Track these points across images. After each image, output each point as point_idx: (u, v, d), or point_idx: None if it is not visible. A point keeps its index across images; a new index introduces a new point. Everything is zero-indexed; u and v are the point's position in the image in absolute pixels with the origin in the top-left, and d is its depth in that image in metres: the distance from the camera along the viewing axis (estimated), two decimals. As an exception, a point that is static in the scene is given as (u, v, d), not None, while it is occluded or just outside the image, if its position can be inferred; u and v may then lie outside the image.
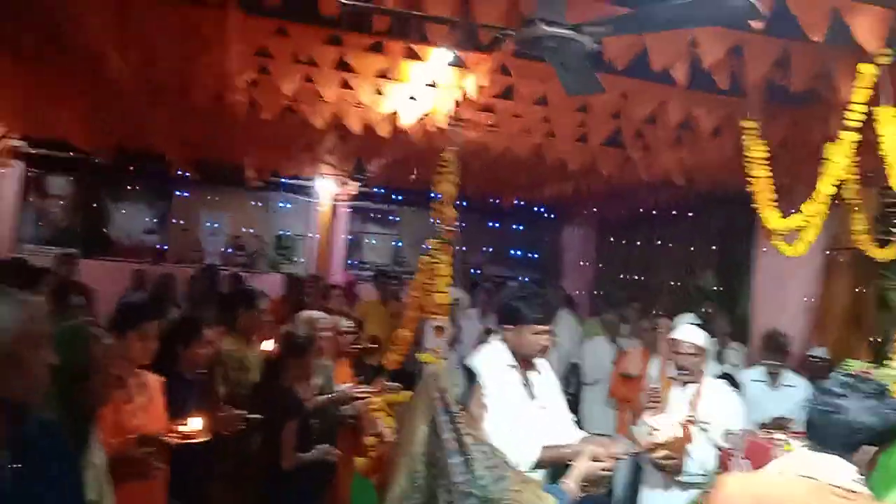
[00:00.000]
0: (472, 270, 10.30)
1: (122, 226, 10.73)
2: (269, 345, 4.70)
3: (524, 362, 3.19)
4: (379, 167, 8.17)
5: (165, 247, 10.87)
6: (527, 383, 3.19)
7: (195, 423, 3.20)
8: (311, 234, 11.25)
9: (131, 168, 10.02)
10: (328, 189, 10.72)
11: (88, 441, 2.15)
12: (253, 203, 11.13)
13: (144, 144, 7.97)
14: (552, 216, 11.62)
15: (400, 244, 11.78)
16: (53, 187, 10.42)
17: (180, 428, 3.17)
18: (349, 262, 11.58)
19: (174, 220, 10.92)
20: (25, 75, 5.25)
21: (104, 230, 10.62)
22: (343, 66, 4.42)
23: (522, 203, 10.68)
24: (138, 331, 3.20)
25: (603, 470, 2.49)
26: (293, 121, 5.94)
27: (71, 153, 9.42)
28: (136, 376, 3.14)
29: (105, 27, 3.88)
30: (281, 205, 11.26)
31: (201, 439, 3.16)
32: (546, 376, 3.34)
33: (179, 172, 9.72)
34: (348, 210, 11.36)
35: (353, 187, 10.56)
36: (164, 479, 3.17)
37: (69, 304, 4.47)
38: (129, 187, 10.68)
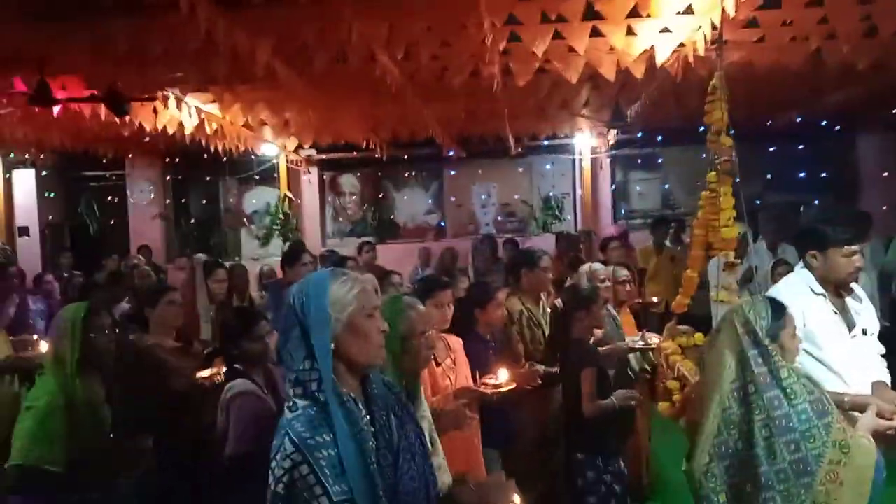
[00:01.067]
0: (754, 200, 9.59)
1: (405, 210, 11.75)
2: (554, 301, 4.86)
3: (835, 289, 2.96)
4: (638, 111, 7.95)
5: (443, 223, 11.67)
6: (840, 311, 2.95)
7: (502, 375, 3.44)
8: (576, 191, 11.32)
9: (406, 157, 10.89)
10: (588, 143, 10.68)
11: (419, 398, 2.44)
12: (518, 170, 11.47)
13: (414, 133, 8.64)
14: (838, 128, 10.34)
15: (667, 186, 11.36)
16: (345, 186, 11.72)
17: (489, 381, 3.43)
18: (618, 211, 11.46)
19: (449, 198, 11.66)
20: (314, 92, 5.97)
21: (391, 217, 11.71)
22: (592, 15, 4.37)
23: (800, 120, 9.66)
24: (434, 299, 3.54)
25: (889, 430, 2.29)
26: (546, 81, 6.02)
27: (355, 153, 10.51)
28: (440, 340, 3.47)
29: (376, 32, 4.27)
30: (546, 166, 11.46)
31: (509, 388, 3.39)
32: (863, 303, 3.06)
33: (448, 153, 10.37)
34: (610, 160, 11.22)
35: (613, 136, 10.40)
36: (477, 431, 3.47)
37: (389, 283, 5.01)
38: (406, 175, 11.63)
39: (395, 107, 7.14)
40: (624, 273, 5.08)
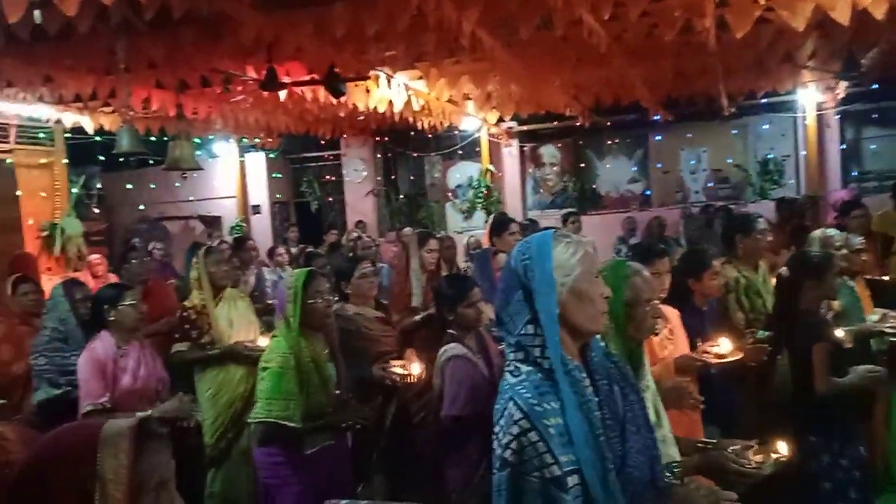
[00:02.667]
0: None
1: (608, 179, 11.45)
2: (779, 269, 4.51)
3: None
4: (873, 59, 7.07)
5: (648, 192, 11.23)
6: None
7: (725, 345, 3.25)
8: (798, 153, 10.35)
9: (608, 124, 10.59)
10: (813, 98, 9.69)
11: (643, 368, 2.36)
12: (731, 132, 10.71)
13: (617, 98, 8.35)
14: None
15: (910, 143, 10.05)
16: (545, 157, 11.65)
17: (712, 349, 3.26)
18: (848, 174, 10.33)
19: (654, 165, 11.19)
20: (517, 61, 5.97)
21: (593, 186, 11.48)
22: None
23: None
24: (652, 267, 3.39)
25: None
26: (767, 32, 5.52)
27: (555, 123, 10.40)
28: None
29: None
30: (763, 127, 10.59)
31: (734, 359, 3.20)
32: None
33: (653, 117, 9.92)
34: (839, 116, 10.12)
35: (843, 89, 9.35)
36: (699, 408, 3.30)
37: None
38: (608, 142, 11.32)
39: (599, 71, 6.94)
40: (858, 240, 4.59)
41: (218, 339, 4.22)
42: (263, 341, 4.20)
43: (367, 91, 7.08)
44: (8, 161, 8.35)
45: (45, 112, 7.48)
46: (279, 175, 12.25)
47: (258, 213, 11.90)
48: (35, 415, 3.76)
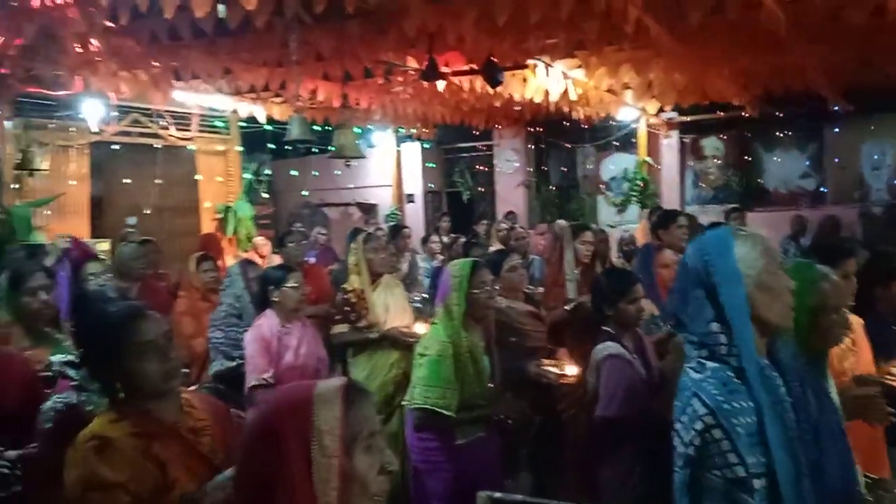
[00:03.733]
0: None
1: (776, 174, 10.71)
2: None
3: None
4: None
5: (823, 189, 10.38)
6: None
7: (914, 368, 2.91)
8: None
9: (779, 115, 9.88)
10: None
11: (826, 379, 2.15)
12: (923, 124, 9.68)
13: (791, 87, 7.76)
14: None
15: None
16: (708, 149, 11.07)
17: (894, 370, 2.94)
18: None
19: (830, 159, 10.32)
20: (684, 49, 5.68)
21: (759, 181, 10.77)
22: None
23: None
24: (839, 269, 3.10)
25: None
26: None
27: (720, 113, 9.84)
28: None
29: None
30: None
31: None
32: None
33: (832, 108, 9.13)
34: None
35: None
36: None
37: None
38: (778, 134, 10.56)
39: (773, 59, 6.48)
40: None
41: (374, 323, 4.35)
42: (418, 328, 4.29)
43: (524, 81, 7.04)
44: (189, 147, 9.07)
45: (222, 102, 8.04)
46: (433, 165, 12.49)
47: (412, 201, 12.19)
48: (211, 384, 4.05)
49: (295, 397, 1.33)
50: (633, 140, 10.71)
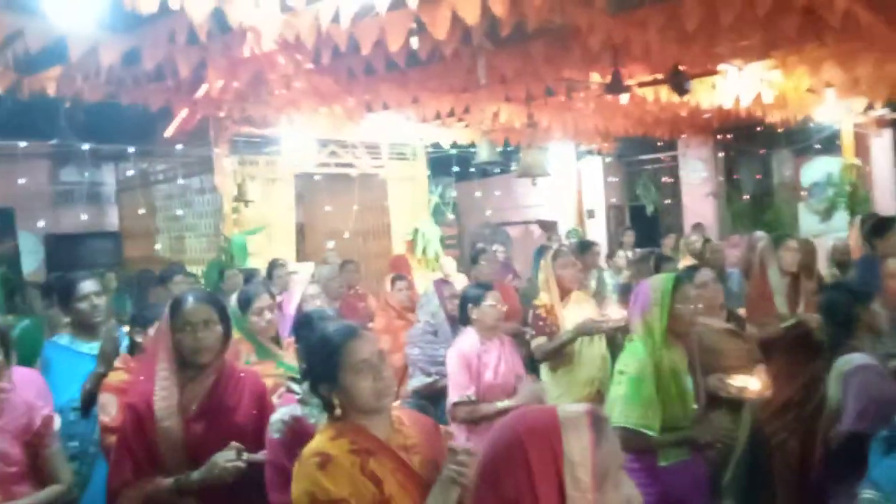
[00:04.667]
0: None
1: None
2: None
3: None
4: None
5: None
6: None
7: None
8: None
9: None
10: None
11: None
12: None
13: None
14: None
15: None
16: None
17: None
18: None
19: None
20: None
21: None
22: None
23: None
24: None
25: None
26: None
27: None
28: None
29: None
30: None
31: None
32: None
33: None
34: None
35: None
36: None
37: None
38: None
39: None
40: None
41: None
42: (613, 312, 4.24)
43: (713, 87, 6.74)
44: (381, 175, 9.59)
45: (409, 130, 8.43)
46: (614, 178, 12.24)
47: (592, 217, 12.02)
48: (412, 400, 4.22)
49: (540, 422, 1.27)
50: (837, 142, 9.84)
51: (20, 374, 2.76)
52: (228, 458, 2.35)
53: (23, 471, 2.60)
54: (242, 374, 2.69)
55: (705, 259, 6.04)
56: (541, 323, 4.40)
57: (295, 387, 2.51)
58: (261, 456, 2.45)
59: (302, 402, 2.40)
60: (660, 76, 6.15)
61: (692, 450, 3.12)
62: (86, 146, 7.98)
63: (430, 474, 2.00)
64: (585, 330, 4.20)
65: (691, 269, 4.12)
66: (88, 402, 3.25)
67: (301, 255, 9.00)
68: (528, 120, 7.18)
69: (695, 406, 3.14)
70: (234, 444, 2.39)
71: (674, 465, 3.06)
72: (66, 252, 9.80)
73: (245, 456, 2.39)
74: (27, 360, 3.45)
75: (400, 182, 9.72)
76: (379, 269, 9.02)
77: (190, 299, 2.56)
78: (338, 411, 2.01)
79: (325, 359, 2.02)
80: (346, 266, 6.17)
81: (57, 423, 2.78)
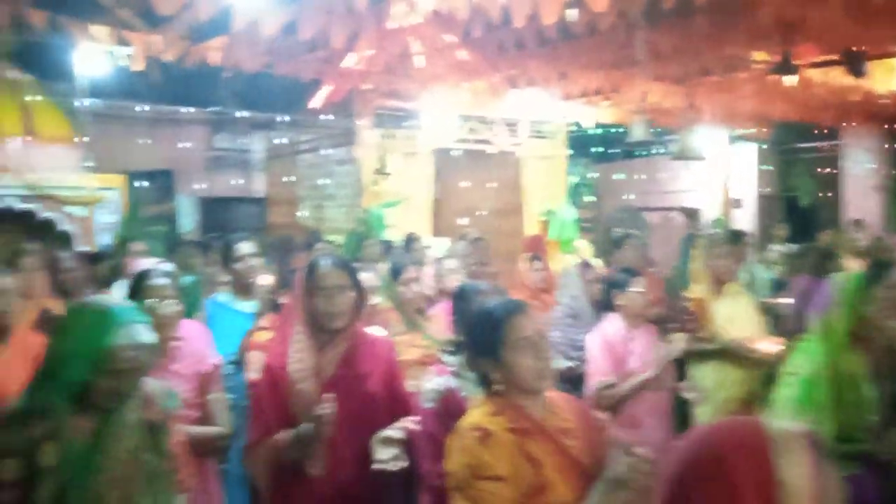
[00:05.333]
0: None
1: None
2: None
3: None
4: None
5: None
6: None
7: None
8: None
9: None
10: None
11: None
12: None
13: None
14: None
15: None
16: None
17: None
18: None
19: None
20: None
21: None
22: None
23: None
24: None
25: None
26: None
27: None
28: None
29: None
30: None
31: None
32: None
33: None
34: None
35: None
36: None
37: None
38: None
39: None
40: None
41: (716, 334, 4.07)
42: (764, 344, 3.93)
43: (893, 70, 6.14)
44: (517, 153, 9.47)
45: (551, 107, 8.24)
46: (767, 167, 11.49)
47: (738, 206, 11.36)
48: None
49: (747, 438, 1.10)
50: None
51: (188, 325, 2.90)
52: (383, 457, 2.31)
53: (198, 414, 2.73)
54: (375, 342, 2.67)
55: (873, 258, 5.52)
56: (685, 318, 4.17)
57: (449, 358, 2.47)
58: (409, 424, 2.44)
59: (455, 374, 2.37)
60: (833, 57, 5.65)
61: (866, 465, 2.83)
62: (244, 114, 8.35)
63: (588, 462, 1.92)
64: (732, 351, 3.94)
65: (879, 269, 3.74)
66: (244, 358, 3.39)
67: (435, 231, 9.07)
68: (686, 100, 6.82)
69: (874, 417, 2.84)
70: (381, 436, 2.36)
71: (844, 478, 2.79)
72: (216, 215, 10.38)
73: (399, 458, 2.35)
74: (187, 315, 3.65)
75: (537, 161, 9.56)
76: (509, 249, 8.93)
77: (324, 263, 2.54)
78: (497, 387, 1.95)
79: (486, 333, 1.97)
80: (477, 243, 6.11)
81: (220, 372, 2.91)
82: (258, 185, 11.15)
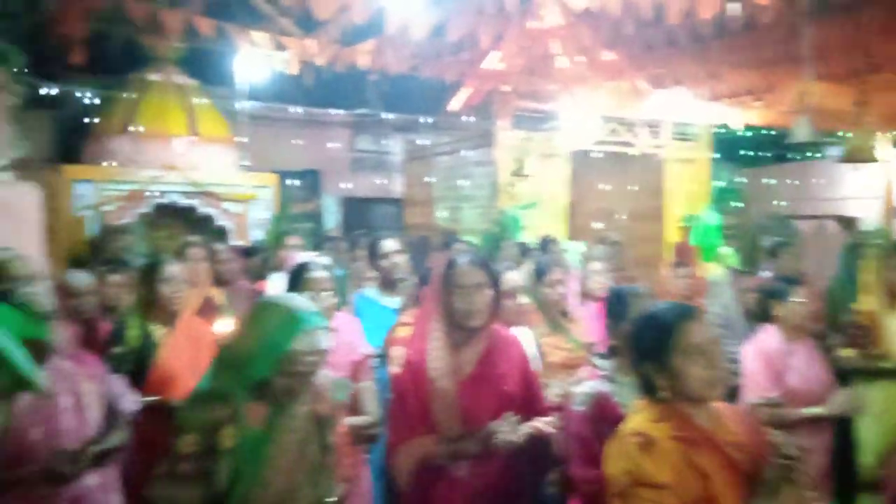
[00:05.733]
0: None
1: None
2: None
3: None
4: None
5: None
6: None
7: None
8: None
9: None
10: None
11: None
12: None
13: None
14: None
15: None
16: None
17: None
18: None
19: None
20: None
21: None
22: None
23: None
24: None
25: None
26: None
27: None
28: None
29: None
30: None
31: None
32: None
33: None
34: None
35: None
36: None
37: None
38: None
39: None
40: None
41: (888, 351, 3.73)
42: None
43: None
44: (659, 156, 9.15)
45: (697, 108, 7.89)
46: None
47: (904, 216, 10.40)
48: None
49: None
50: None
51: (340, 317, 3.00)
52: (505, 429, 2.29)
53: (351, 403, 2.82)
54: (510, 342, 2.64)
55: None
56: (854, 332, 3.84)
57: (600, 363, 2.41)
58: (540, 424, 2.40)
59: (608, 378, 2.30)
60: None
61: None
62: (389, 115, 8.59)
63: (759, 476, 1.82)
64: None
65: None
66: (388, 352, 3.46)
67: (570, 234, 8.92)
68: (853, 99, 6.32)
69: None
70: (509, 414, 2.33)
71: None
72: (357, 214, 10.74)
73: (521, 429, 2.32)
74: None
75: (679, 164, 9.19)
76: (648, 254, 8.64)
77: (463, 261, 2.53)
78: (662, 394, 1.87)
79: (654, 338, 1.89)
80: (614, 247, 5.94)
81: (370, 362, 2.99)
82: (397, 186, 11.43)
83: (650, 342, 1.91)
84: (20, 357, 1.24)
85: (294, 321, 2.00)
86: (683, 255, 6.30)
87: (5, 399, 2.26)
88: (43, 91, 6.09)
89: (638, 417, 1.90)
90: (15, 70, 4.37)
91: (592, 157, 9.15)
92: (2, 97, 4.48)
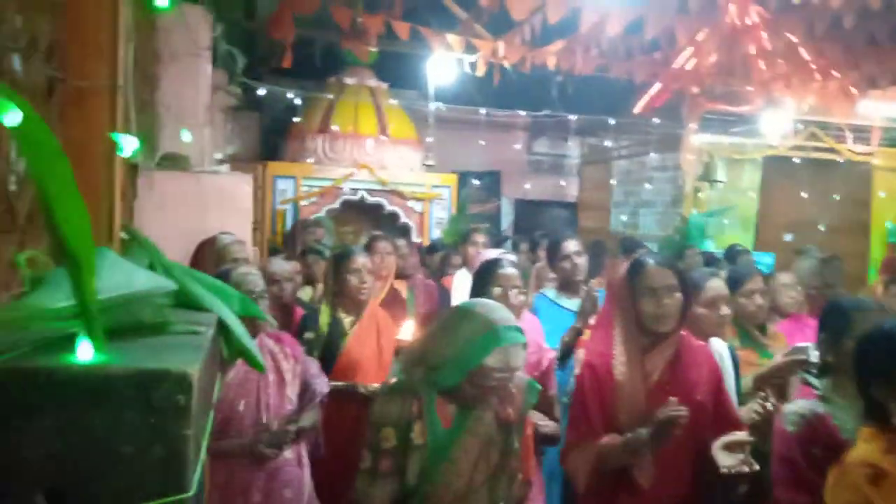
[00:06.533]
0: None
1: None
2: None
3: None
4: None
5: None
6: None
7: None
8: None
9: None
10: None
11: None
12: None
13: None
14: None
15: None
16: None
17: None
18: None
19: None
20: None
21: None
22: None
23: None
24: None
25: None
26: None
27: None
28: None
29: None
30: None
31: None
32: None
33: None
34: None
35: None
36: None
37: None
38: None
39: None
40: None
41: None
42: None
43: None
44: (866, 163, 8.33)
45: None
46: None
47: None
48: None
49: None
50: None
51: (525, 317, 2.97)
52: (677, 410, 2.11)
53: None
54: (698, 349, 2.47)
55: None
56: None
57: (814, 381, 2.20)
58: (740, 436, 2.23)
59: (822, 398, 2.10)
60: None
61: None
62: (569, 117, 8.50)
63: None
64: None
65: None
66: (565, 354, 3.40)
67: (755, 245, 8.35)
68: None
69: None
70: (673, 399, 2.15)
71: None
72: (529, 217, 10.72)
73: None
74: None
75: (891, 173, 8.32)
76: (852, 272, 7.88)
77: (652, 263, 2.40)
78: (895, 420, 1.68)
79: (884, 357, 1.70)
80: (831, 263, 5.41)
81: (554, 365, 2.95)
82: (571, 190, 11.29)
83: (882, 363, 1.71)
84: (244, 332, 1.33)
85: (491, 336, 1.94)
86: (893, 273, 5.67)
87: (224, 371, 2.46)
88: (254, 93, 6.63)
89: (866, 446, 1.71)
90: (235, 73, 4.79)
91: (786, 164, 8.50)
92: (221, 98, 4.93)
